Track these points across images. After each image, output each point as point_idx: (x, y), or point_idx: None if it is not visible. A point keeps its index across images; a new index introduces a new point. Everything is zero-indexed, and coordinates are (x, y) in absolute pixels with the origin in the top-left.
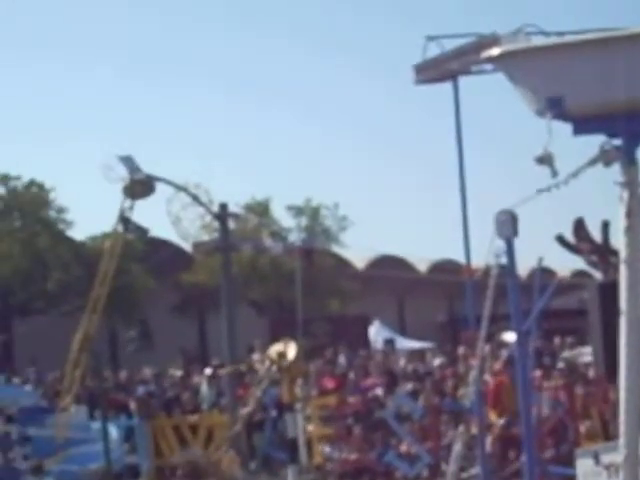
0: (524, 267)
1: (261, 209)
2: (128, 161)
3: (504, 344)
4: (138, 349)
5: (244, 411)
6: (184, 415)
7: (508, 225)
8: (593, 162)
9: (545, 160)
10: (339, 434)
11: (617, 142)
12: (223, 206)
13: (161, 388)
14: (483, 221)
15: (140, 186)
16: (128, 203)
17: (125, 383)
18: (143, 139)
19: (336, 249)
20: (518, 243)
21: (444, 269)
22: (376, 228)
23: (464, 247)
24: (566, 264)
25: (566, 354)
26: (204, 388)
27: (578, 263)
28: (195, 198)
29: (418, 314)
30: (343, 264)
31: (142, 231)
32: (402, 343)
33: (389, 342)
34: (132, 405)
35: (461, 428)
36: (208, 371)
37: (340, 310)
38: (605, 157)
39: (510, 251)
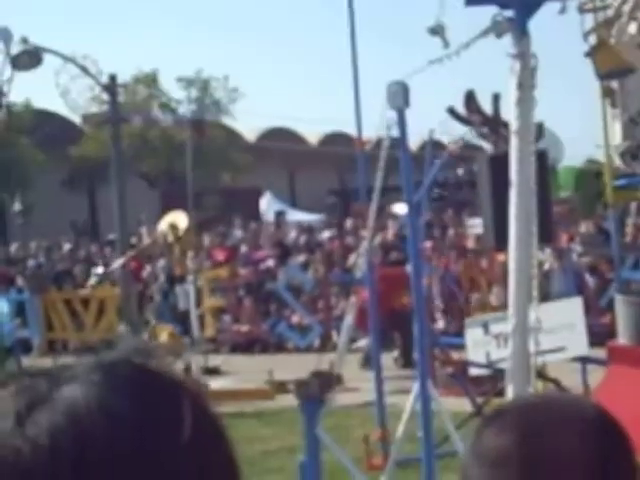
0: (415, 140)
1: (149, 81)
2: (3, 33)
3: (393, 216)
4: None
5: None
6: (75, 289)
7: (399, 96)
8: (485, 33)
9: (437, 31)
10: (231, 306)
11: (509, 13)
12: (112, 77)
13: (51, 262)
14: (375, 93)
15: (27, 57)
16: (7, 74)
17: (15, 257)
18: (29, 10)
19: (226, 121)
20: (410, 116)
21: (335, 141)
22: (267, 100)
23: (355, 119)
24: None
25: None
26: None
27: (467, 136)
28: (84, 69)
29: (309, 186)
30: (234, 136)
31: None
32: (293, 215)
33: (280, 214)
34: (21, 279)
35: (352, 299)
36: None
37: (231, 182)
38: (497, 28)
39: (401, 122)
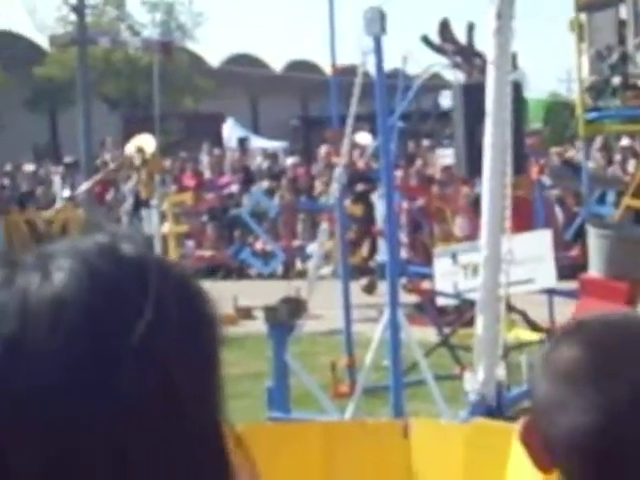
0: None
1: (117, 3)
2: None
3: (358, 145)
4: None
5: (110, 167)
6: (38, 210)
7: (376, 22)
8: None
9: None
10: (194, 231)
11: None
12: None
13: (14, 184)
14: (346, 21)
15: None
16: None
17: None
18: None
19: (191, 46)
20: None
21: (299, 68)
22: (232, 25)
23: (330, 44)
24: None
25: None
26: (57, 182)
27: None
28: None
29: (272, 113)
30: (197, 61)
31: None
32: (256, 142)
33: (243, 140)
34: None
35: (324, 225)
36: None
37: (194, 107)
38: None
39: (378, 49)
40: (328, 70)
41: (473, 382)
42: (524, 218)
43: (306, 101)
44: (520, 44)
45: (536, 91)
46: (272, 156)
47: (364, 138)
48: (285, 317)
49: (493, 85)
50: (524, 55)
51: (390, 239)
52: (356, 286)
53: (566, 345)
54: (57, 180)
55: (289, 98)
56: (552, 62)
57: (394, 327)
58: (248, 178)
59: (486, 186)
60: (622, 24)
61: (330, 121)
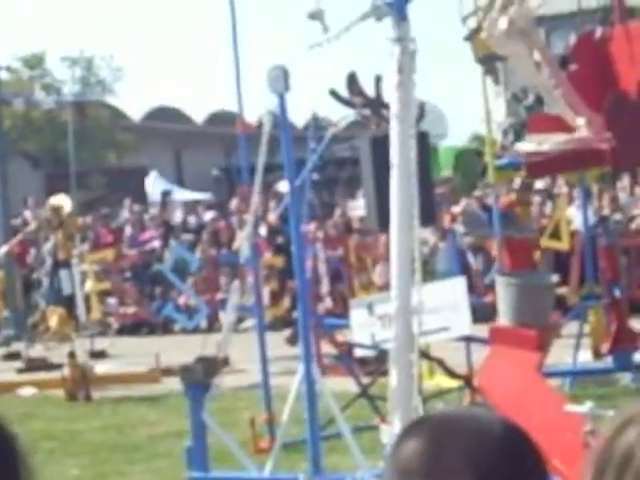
0: (300, 119)
1: (36, 61)
2: None
3: (279, 194)
4: None
5: (29, 228)
6: None
7: (280, 80)
8: (364, 17)
9: (316, 16)
10: (116, 288)
11: None
12: None
13: None
14: (259, 73)
15: None
16: None
17: None
18: None
19: (111, 100)
20: (295, 94)
21: (221, 120)
22: (152, 79)
23: (237, 101)
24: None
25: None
26: None
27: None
28: None
29: (196, 165)
30: (119, 115)
31: None
32: (180, 194)
33: (166, 194)
34: None
35: (236, 283)
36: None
37: (117, 162)
38: (376, 12)
39: (282, 106)
40: (249, 120)
41: (389, 434)
42: None
43: (230, 151)
44: (443, 88)
45: (459, 134)
46: (194, 210)
47: (286, 187)
48: (201, 376)
49: (397, 138)
50: (448, 98)
51: (302, 295)
52: (280, 338)
53: (407, 440)
54: None
55: (213, 149)
56: (475, 104)
57: (309, 381)
58: (170, 232)
59: (394, 239)
60: (537, 66)
61: (248, 173)
